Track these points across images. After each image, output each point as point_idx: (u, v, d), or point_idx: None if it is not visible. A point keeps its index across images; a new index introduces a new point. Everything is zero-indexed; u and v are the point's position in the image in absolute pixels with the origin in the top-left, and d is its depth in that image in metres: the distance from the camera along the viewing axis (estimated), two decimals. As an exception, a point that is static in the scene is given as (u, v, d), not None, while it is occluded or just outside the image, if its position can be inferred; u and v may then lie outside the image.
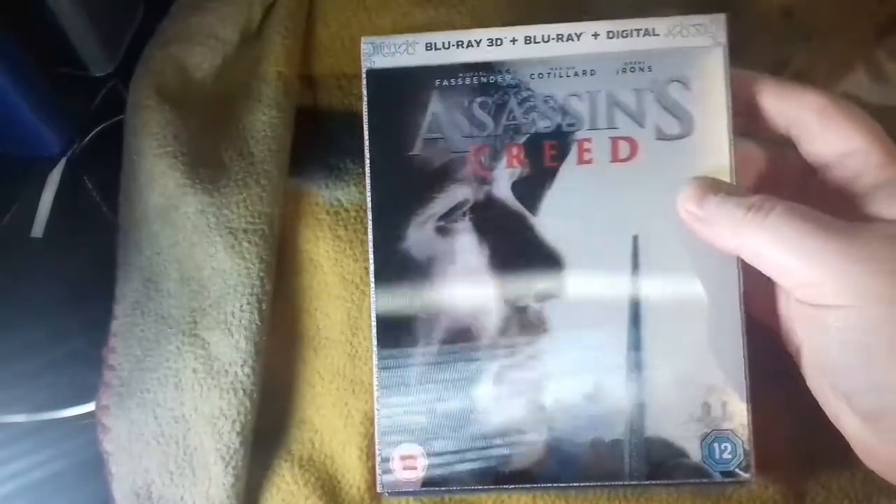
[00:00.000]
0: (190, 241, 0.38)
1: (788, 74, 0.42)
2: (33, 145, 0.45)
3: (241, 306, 0.37)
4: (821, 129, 0.29)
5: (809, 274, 0.26)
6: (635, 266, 0.32)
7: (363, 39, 0.33)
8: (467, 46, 0.33)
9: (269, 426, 0.37)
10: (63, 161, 0.46)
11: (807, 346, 0.29)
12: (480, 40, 0.33)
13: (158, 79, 0.41)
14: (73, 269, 0.43)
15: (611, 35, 0.32)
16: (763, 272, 0.29)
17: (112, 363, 0.38)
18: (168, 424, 0.36)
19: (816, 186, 0.31)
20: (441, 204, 0.33)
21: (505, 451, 0.32)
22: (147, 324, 0.38)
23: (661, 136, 0.32)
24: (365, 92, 0.33)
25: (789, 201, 0.28)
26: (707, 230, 0.30)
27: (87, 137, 0.46)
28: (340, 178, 0.41)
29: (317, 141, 0.42)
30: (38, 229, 0.45)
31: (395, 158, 0.33)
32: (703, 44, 0.32)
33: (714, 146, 0.32)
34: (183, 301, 0.37)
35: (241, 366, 0.36)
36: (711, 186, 0.30)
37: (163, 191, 0.39)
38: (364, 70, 0.33)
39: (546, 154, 0.32)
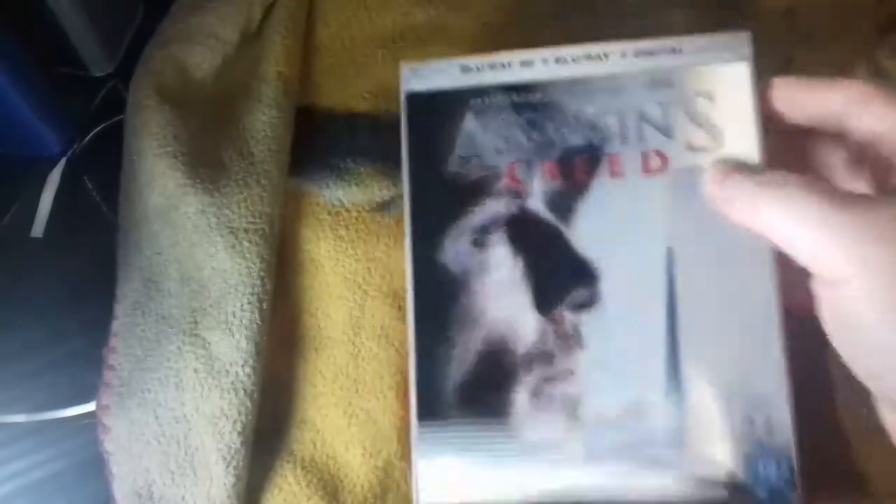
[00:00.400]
0: (190, 241, 0.38)
1: (792, 73, 0.42)
2: (33, 145, 0.45)
3: (242, 306, 0.36)
4: (863, 113, 0.30)
5: (821, 245, 0.27)
6: (670, 277, 0.32)
7: (403, 65, 0.35)
8: (500, 68, 0.34)
9: (270, 426, 0.37)
10: (63, 161, 0.46)
11: (828, 326, 0.28)
12: (513, 62, 0.34)
13: (158, 79, 0.41)
14: (73, 269, 0.43)
15: (638, 54, 0.33)
16: (782, 249, 0.29)
17: (112, 363, 0.38)
18: (169, 424, 0.36)
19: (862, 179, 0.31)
20: (476, 217, 0.33)
21: (542, 466, 0.31)
22: (148, 324, 0.38)
23: (690, 148, 0.32)
24: (404, 114, 0.34)
25: (803, 176, 0.28)
26: (729, 209, 0.30)
27: (87, 137, 0.46)
28: (341, 177, 0.41)
29: (317, 141, 0.42)
30: (38, 229, 0.45)
31: (433, 175, 0.34)
32: (727, 59, 0.33)
33: (743, 157, 0.32)
34: (183, 301, 0.37)
35: (242, 366, 0.36)
36: (732, 167, 0.31)
37: (163, 191, 0.39)
38: (403, 93, 0.35)
39: (578, 168, 0.33)
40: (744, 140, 0.32)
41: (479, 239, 0.33)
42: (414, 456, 0.32)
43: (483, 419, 0.32)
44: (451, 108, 0.34)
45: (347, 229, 0.40)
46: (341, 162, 0.42)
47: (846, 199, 0.27)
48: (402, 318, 0.38)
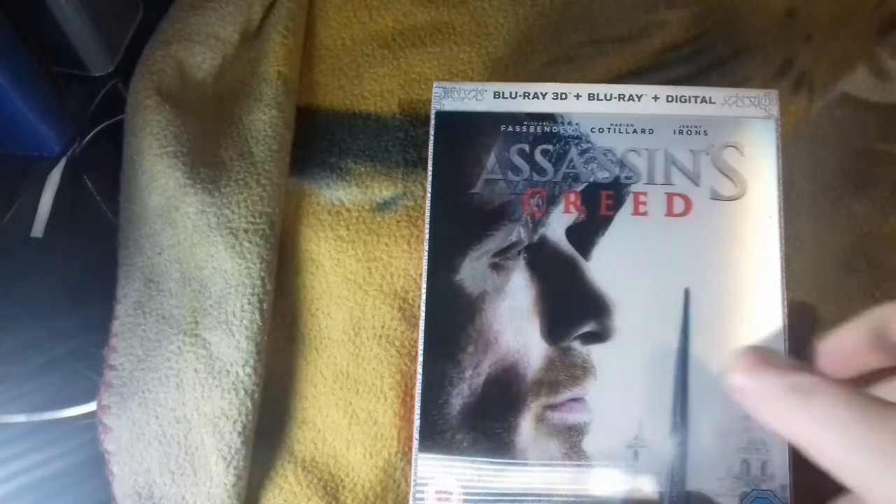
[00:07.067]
0: (191, 241, 0.38)
1: (793, 74, 0.42)
2: (33, 145, 0.45)
3: (243, 306, 0.36)
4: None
5: (865, 473, 0.24)
6: (685, 319, 0.32)
7: (435, 84, 0.35)
8: (533, 98, 0.35)
9: (270, 426, 0.37)
10: (63, 161, 0.46)
11: None
12: (546, 93, 0.35)
13: (158, 79, 0.41)
14: (73, 269, 0.43)
15: (670, 99, 0.35)
16: (821, 465, 0.26)
17: (113, 363, 0.38)
18: (169, 424, 0.36)
19: None
20: (497, 241, 0.34)
21: (541, 494, 0.32)
22: (148, 324, 0.38)
23: (715, 196, 0.33)
24: (433, 132, 0.35)
25: (839, 382, 0.26)
26: (754, 405, 0.28)
27: (87, 137, 0.46)
28: (342, 177, 0.41)
29: (317, 141, 0.42)
30: (38, 229, 0.44)
31: (457, 195, 0.34)
32: (755, 115, 0.34)
33: (765, 210, 0.33)
34: (184, 301, 0.37)
35: (243, 366, 0.36)
36: (762, 360, 0.28)
37: (163, 191, 0.39)
38: (434, 111, 0.35)
39: (602, 202, 0.34)
40: (766, 192, 0.33)
41: (498, 262, 0.33)
42: (412, 476, 0.32)
43: (485, 444, 0.32)
44: (481, 132, 0.35)
45: (348, 229, 0.40)
46: (341, 162, 0.42)
47: (880, 415, 0.24)
48: (403, 319, 0.38)
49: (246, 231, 0.38)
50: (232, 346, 0.36)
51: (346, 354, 0.38)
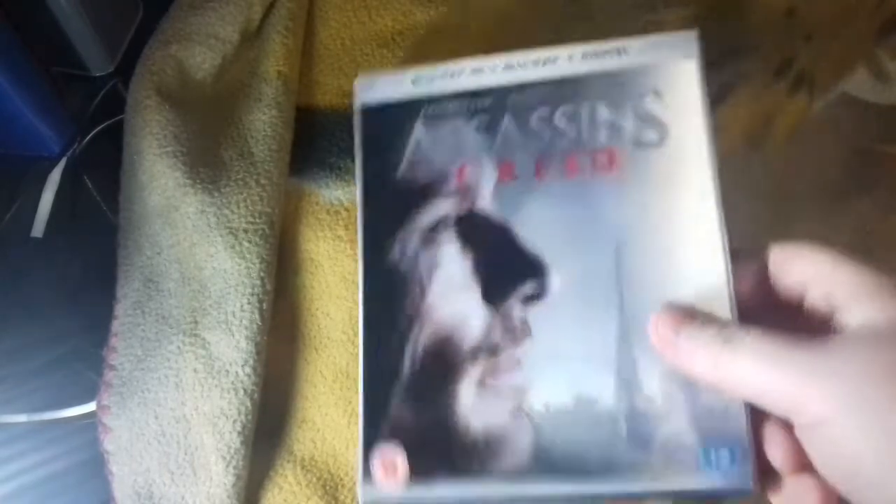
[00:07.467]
0: (190, 240, 0.38)
1: (793, 73, 0.42)
2: (33, 145, 0.45)
3: (242, 306, 0.36)
4: (789, 269, 0.30)
5: (791, 395, 0.27)
6: (620, 271, 0.32)
7: (357, 80, 0.35)
8: (451, 77, 0.35)
9: (270, 426, 0.37)
10: (63, 161, 0.46)
11: (823, 468, 0.28)
12: (463, 70, 0.35)
13: (158, 79, 0.41)
14: (73, 269, 0.43)
15: (585, 56, 0.34)
16: (755, 402, 0.28)
17: (113, 363, 0.38)
18: (169, 424, 0.36)
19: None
20: (425, 218, 0.34)
21: (489, 458, 0.31)
22: (148, 324, 0.38)
23: (639, 146, 0.33)
24: (358, 127, 0.35)
25: (759, 327, 0.28)
26: (684, 357, 0.29)
27: (87, 137, 0.46)
28: (340, 177, 0.41)
29: (317, 141, 0.42)
30: (38, 229, 0.45)
31: (384, 180, 0.34)
32: (675, 58, 0.33)
33: (692, 154, 0.32)
34: (184, 301, 0.37)
35: (242, 365, 0.36)
36: (687, 315, 0.30)
37: (163, 191, 0.39)
38: (357, 105, 0.35)
39: (528, 168, 0.33)
40: (691, 136, 0.32)
41: (428, 237, 0.33)
42: (358, 448, 0.32)
43: (429, 412, 0.32)
44: (403, 118, 0.35)
45: (346, 229, 0.40)
46: (341, 161, 0.42)
47: (808, 345, 0.27)
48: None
49: (245, 231, 0.38)
50: (231, 345, 0.36)
51: (346, 354, 0.38)
